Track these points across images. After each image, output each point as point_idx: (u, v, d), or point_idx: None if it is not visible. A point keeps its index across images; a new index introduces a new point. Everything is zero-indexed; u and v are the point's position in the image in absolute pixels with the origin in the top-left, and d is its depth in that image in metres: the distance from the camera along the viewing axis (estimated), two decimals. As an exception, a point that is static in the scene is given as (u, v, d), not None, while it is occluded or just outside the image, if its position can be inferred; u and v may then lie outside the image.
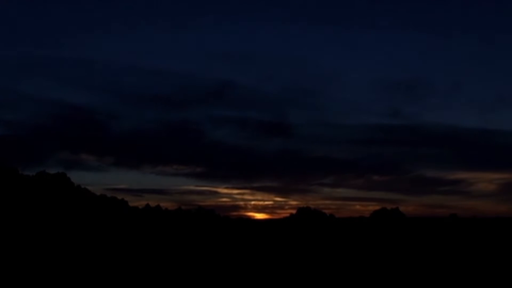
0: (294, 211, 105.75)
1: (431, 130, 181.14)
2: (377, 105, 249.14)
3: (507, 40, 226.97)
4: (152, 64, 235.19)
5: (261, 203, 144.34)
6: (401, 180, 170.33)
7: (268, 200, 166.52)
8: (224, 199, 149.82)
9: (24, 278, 23.06)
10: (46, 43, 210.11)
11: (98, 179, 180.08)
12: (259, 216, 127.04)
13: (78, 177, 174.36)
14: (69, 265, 27.69)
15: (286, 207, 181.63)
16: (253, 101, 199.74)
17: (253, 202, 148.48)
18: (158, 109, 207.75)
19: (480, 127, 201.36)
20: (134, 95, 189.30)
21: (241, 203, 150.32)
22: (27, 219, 62.47)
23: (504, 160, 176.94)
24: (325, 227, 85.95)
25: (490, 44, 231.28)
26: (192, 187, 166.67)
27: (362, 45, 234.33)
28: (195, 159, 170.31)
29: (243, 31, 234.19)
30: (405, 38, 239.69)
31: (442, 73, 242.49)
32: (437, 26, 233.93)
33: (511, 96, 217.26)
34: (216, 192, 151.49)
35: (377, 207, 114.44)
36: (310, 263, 31.07)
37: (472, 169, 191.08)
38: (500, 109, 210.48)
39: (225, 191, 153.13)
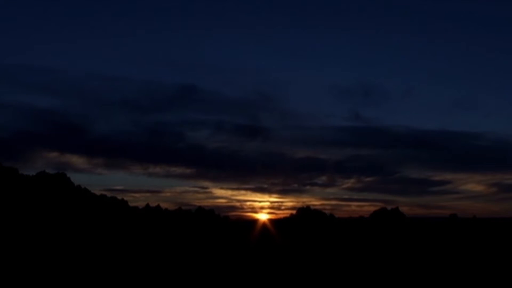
0: (292, 211, 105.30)
1: (396, 132, 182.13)
2: (337, 109, 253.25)
3: (456, 46, 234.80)
4: (112, 70, 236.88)
5: (257, 204, 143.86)
6: (388, 180, 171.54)
7: (264, 200, 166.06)
8: (220, 200, 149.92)
9: (25, 278, 22.69)
10: (11, 51, 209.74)
11: (92, 181, 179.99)
12: (258, 216, 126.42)
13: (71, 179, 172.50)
14: (70, 265, 27.32)
15: (283, 207, 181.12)
16: (221, 105, 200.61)
17: (248, 203, 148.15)
18: (129, 113, 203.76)
19: (442, 129, 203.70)
20: (103, 100, 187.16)
21: (237, 204, 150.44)
22: (28, 219, 61.98)
23: (482, 161, 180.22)
24: (327, 227, 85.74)
25: (441, 50, 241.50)
26: (187, 188, 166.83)
27: (315, 52, 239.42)
28: (183, 160, 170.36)
29: (200, 39, 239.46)
30: (358, 45, 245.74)
31: (394, 78, 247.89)
32: (389, 32, 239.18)
33: (465, 100, 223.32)
34: (211, 193, 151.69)
35: (372, 207, 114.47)
36: (317, 262, 30.79)
37: (456, 171, 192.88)
38: (456, 112, 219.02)
39: (221, 192, 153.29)
